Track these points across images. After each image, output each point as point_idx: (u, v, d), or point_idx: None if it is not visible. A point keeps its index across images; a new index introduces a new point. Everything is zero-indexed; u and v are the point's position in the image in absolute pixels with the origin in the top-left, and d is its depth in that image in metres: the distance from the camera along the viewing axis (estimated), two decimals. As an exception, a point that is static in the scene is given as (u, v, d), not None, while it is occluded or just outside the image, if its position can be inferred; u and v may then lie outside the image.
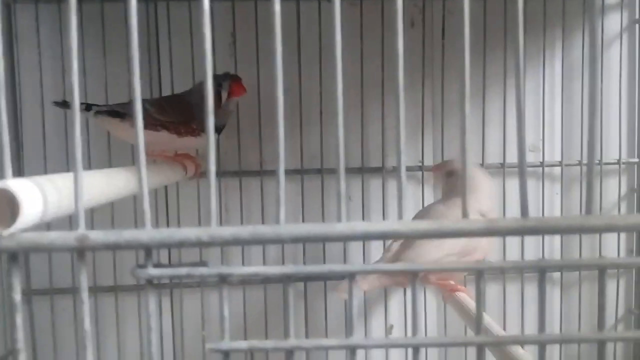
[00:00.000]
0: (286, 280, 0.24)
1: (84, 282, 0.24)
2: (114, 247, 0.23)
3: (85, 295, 0.24)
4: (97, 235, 0.23)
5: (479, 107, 0.76)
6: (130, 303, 0.74)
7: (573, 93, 0.79)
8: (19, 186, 0.23)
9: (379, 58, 0.74)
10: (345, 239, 0.24)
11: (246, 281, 0.75)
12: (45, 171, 0.71)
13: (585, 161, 0.77)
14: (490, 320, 0.53)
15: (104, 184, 0.33)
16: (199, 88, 0.61)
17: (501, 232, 0.24)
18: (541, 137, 0.78)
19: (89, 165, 0.71)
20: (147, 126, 0.56)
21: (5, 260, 0.24)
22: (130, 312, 0.75)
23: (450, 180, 0.63)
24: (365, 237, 0.24)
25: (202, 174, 0.66)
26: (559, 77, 0.78)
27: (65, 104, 0.57)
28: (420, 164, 0.77)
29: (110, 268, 0.72)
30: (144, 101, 0.58)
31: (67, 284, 0.72)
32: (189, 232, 0.24)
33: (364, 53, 0.74)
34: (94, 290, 0.72)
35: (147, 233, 0.24)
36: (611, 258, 0.25)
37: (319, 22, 0.73)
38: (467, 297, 0.59)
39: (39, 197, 0.24)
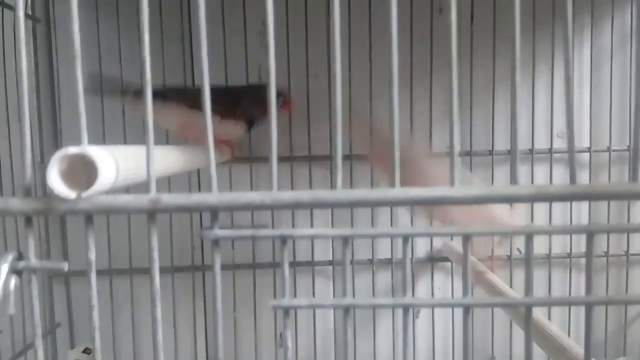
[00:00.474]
0: (345, 242, 0.26)
1: (154, 242, 0.25)
2: (184, 210, 0.25)
3: (155, 254, 0.25)
4: (169, 198, 0.25)
5: (507, 93, 0.76)
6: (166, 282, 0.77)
7: (602, 80, 0.79)
8: (96, 152, 0.25)
9: (407, 46, 0.75)
10: (400, 203, 0.25)
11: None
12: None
13: (614, 147, 0.77)
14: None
15: (160, 159, 0.35)
16: (257, 89, 0.63)
17: (551, 197, 0.25)
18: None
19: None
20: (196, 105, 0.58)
21: (83, 221, 0.25)
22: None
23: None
24: (419, 202, 0.25)
25: (235, 158, 0.68)
26: (587, 63, 0.78)
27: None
28: (448, 150, 0.77)
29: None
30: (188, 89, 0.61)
31: (104, 266, 0.75)
32: (254, 196, 0.25)
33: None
34: (130, 272, 0.75)
35: (215, 196, 0.25)
36: (657, 224, 0.26)
37: (348, 10, 0.74)
38: (497, 279, 0.60)
39: (112, 163, 0.26)
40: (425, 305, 0.26)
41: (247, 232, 0.25)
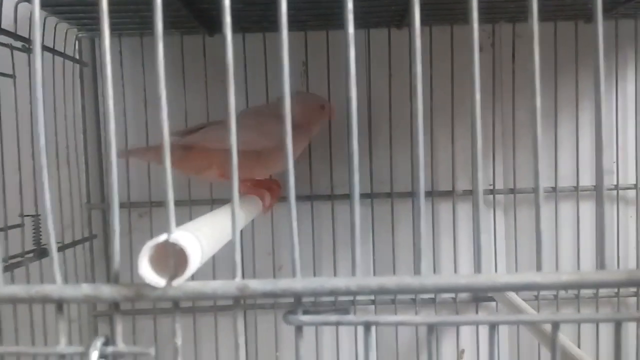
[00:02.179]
0: (430, 329, 0.25)
1: (240, 327, 0.26)
2: (271, 296, 0.25)
3: (241, 339, 0.26)
4: (256, 285, 0.25)
5: (551, 129, 0.76)
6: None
7: (646, 113, 0.78)
8: (184, 240, 0.25)
9: (449, 82, 0.75)
10: (489, 289, 0.25)
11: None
12: (128, 198, 0.74)
13: (662, 184, 0.76)
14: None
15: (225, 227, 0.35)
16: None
17: (643, 283, 0.25)
18: (614, 160, 0.77)
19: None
20: None
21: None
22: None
23: None
24: (507, 288, 0.25)
25: (282, 198, 0.68)
26: (631, 98, 0.77)
27: None
28: (490, 188, 0.77)
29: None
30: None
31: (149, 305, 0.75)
32: (339, 282, 0.25)
33: (433, 77, 0.75)
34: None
35: (300, 282, 0.25)
36: None
37: (389, 48, 0.75)
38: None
39: (198, 248, 0.26)
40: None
41: (332, 318, 0.25)
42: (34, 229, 0.63)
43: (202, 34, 0.73)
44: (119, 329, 0.26)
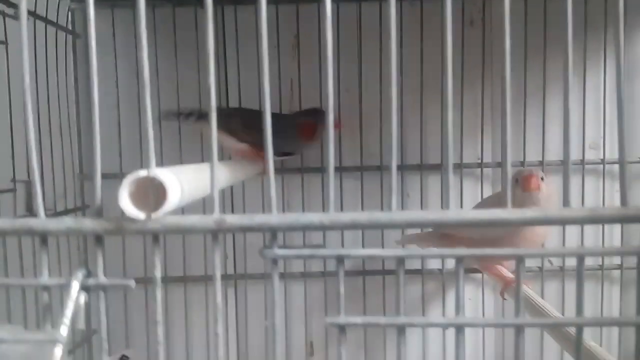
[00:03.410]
0: (399, 262, 0.26)
1: (218, 261, 0.27)
2: (247, 230, 0.26)
3: (218, 273, 0.27)
4: (233, 219, 0.26)
5: (539, 103, 0.76)
6: (198, 292, 0.78)
7: (634, 90, 0.78)
8: (163, 175, 0.26)
9: (438, 58, 0.75)
10: (457, 224, 0.26)
11: (307, 275, 0.78)
12: (120, 169, 0.75)
13: (647, 159, 0.77)
14: (551, 307, 0.55)
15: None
16: (294, 120, 0.67)
17: (604, 219, 0.26)
18: (602, 135, 0.78)
19: (161, 162, 0.74)
20: (236, 135, 0.62)
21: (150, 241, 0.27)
22: (197, 300, 0.78)
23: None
24: (475, 224, 0.26)
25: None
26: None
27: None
28: (479, 161, 0.78)
29: (180, 259, 0.76)
30: (239, 110, 0.69)
31: (140, 273, 0.76)
32: (313, 217, 0.26)
33: (423, 53, 0.75)
34: (165, 280, 0.76)
35: (276, 217, 0.26)
36: None
37: (380, 23, 0.75)
38: (527, 289, 0.60)
39: (178, 185, 0.27)
40: (483, 325, 0.26)
41: (306, 251, 0.26)
42: (26, 195, 0.64)
43: (194, 5, 0.73)
44: (100, 261, 0.27)
